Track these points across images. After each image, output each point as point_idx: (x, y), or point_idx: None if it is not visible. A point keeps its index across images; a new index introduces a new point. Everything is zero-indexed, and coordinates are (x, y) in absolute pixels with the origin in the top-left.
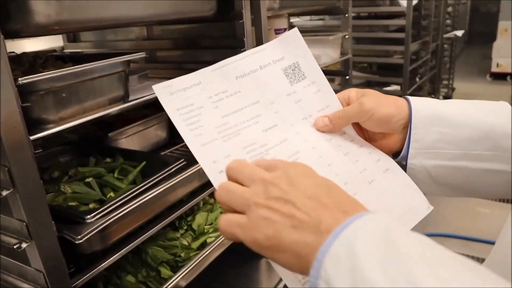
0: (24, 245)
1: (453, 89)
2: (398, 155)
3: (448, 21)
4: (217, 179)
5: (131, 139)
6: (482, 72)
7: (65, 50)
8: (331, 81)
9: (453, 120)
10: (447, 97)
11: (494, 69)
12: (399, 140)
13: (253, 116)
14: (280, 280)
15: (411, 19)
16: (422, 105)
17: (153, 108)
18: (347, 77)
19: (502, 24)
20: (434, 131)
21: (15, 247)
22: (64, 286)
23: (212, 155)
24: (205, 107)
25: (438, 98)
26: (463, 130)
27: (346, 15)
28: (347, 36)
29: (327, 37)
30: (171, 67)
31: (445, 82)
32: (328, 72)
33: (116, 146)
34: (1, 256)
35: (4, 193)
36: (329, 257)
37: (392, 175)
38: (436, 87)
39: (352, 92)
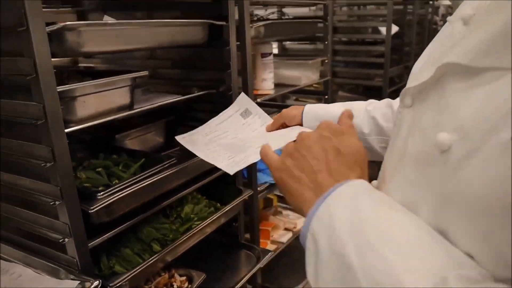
0: (57, 202)
1: None
2: None
3: None
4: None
5: (134, 141)
6: None
7: (79, 64)
8: (314, 100)
9: (323, 115)
10: None
11: None
12: None
13: (224, 135)
14: (253, 267)
15: (389, 45)
16: (311, 108)
17: (154, 116)
18: (326, 96)
19: None
20: (315, 124)
21: (51, 203)
22: (82, 239)
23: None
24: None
25: None
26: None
27: (326, 42)
28: (326, 61)
29: (306, 61)
30: (169, 83)
31: None
32: (310, 92)
33: (121, 146)
34: (36, 214)
35: (48, 165)
36: (316, 217)
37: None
38: None
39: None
